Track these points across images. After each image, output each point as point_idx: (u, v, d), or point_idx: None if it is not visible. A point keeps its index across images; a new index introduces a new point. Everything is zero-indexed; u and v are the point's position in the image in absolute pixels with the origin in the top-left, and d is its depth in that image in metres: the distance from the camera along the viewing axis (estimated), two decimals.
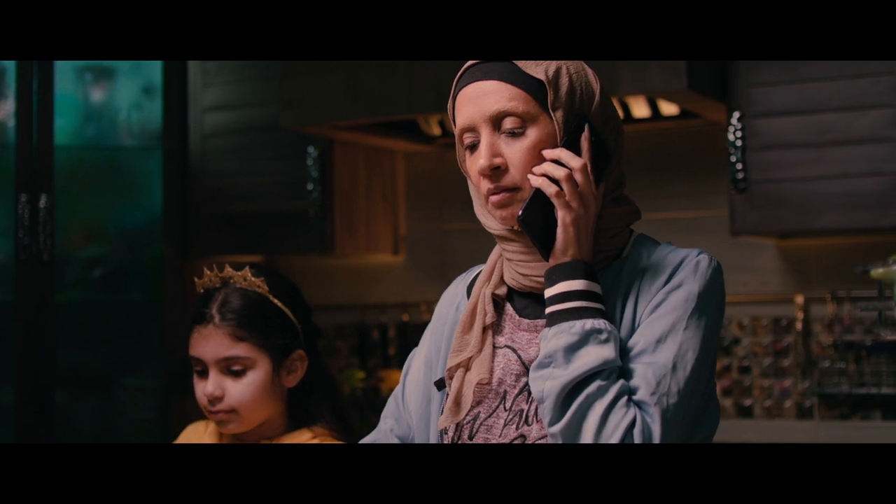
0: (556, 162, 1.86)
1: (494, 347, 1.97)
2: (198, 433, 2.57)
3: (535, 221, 1.86)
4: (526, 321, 1.95)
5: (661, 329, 1.84)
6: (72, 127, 4.49)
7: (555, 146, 1.88)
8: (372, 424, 4.50)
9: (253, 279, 2.44)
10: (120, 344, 4.60)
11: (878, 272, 3.30)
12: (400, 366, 4.69)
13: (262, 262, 4.62)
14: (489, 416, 1.94)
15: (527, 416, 1.90)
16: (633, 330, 1.87)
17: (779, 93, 3.72)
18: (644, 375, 1.81)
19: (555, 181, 1.85)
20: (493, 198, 1.91)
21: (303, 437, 2.45)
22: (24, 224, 4.29)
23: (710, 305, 1.88)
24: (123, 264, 4.63)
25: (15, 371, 4.34)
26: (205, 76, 4.56)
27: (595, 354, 1.80)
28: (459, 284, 2.14)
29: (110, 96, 4.57)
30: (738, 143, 3.75)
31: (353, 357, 4.80)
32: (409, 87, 3.87)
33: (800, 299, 4.09)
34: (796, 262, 4.13)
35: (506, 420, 1.92)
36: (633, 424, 1.77)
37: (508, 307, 1.99)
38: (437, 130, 4.36)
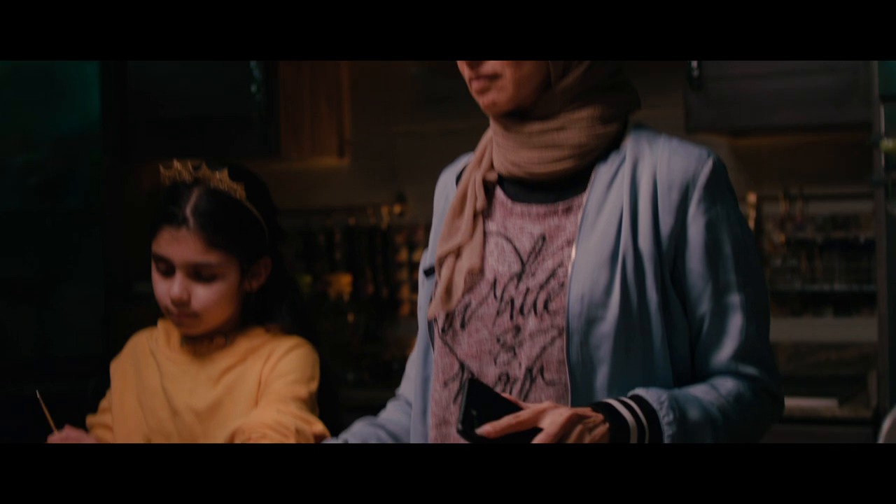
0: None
1: (485, 234, 1.93)
2: (142, 344, 2.50)
3: (483, 422, 1.70)
4: (519, 206, 1.92)
5: (734, 278, 1.88)
6: None
7: None
8: (320, 330, 4.46)
9: (231, 183, 2.34)
10: (58, 252, 4.51)
11: (888, 144, 3.24)
12: (347, 269, 4.67)
13: None
14: (480, 306, 1.91)
15: (521, 307, 1.87)
16: (656, 233, 1.85)
17: None
18: (756, 354, 1.88)
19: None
20: (474, 84, 1.88)
21: (256, 332, 2.39)
22: None
23: (743, 218, 1.91)
24: (60, 171, 4.51)
25: None
26: None
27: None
28: (448, 174, 2.10)
29: None
30: None
31: (299, 262, 4.75)
32: None
33: (752, 198, 4.09)
34: (749, 161, 4.12)
35: (498, 309, 1.89)
36: (772, 412, 1.92)
37: (499, 192, 1.95)
38: None
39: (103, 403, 2.50)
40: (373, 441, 2.08)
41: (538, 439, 1.66)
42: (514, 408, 1.69)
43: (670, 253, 1.85)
